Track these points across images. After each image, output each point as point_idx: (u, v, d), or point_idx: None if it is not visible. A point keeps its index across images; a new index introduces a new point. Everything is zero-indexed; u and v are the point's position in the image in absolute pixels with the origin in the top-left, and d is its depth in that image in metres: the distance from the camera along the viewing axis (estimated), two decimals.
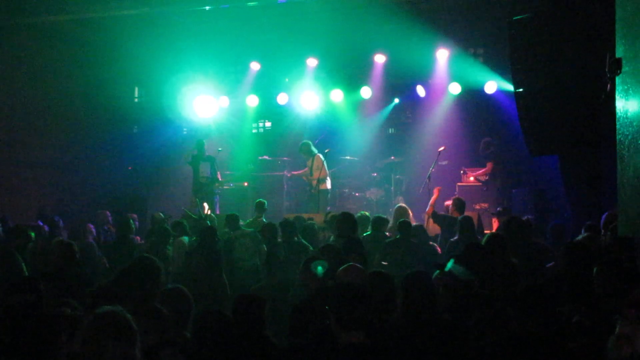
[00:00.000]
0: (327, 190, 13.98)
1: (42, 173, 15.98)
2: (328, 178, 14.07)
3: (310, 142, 14.33)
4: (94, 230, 11.27)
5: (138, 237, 11.45)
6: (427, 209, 11.19)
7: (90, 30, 15.28)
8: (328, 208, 12.92)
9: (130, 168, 17.53)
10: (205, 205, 13.78)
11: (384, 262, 8.69)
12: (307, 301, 5.44)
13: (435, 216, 10.58)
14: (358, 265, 5.36)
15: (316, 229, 10.13)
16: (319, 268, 5.79)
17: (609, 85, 8.33)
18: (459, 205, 10.66)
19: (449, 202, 11.50)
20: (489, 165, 13.26)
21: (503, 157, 13.60)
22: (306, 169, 14.32)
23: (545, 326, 4.36)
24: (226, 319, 4.30)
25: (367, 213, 11.16)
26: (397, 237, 9.13)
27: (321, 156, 13.91)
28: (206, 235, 9.10)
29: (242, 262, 9.71)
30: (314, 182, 13.62)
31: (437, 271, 5.39)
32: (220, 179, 14.34)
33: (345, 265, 5.28)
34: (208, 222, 10.43)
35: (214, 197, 14.21)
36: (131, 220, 10.54)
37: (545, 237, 9.61)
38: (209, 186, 14.08)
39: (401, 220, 9.60)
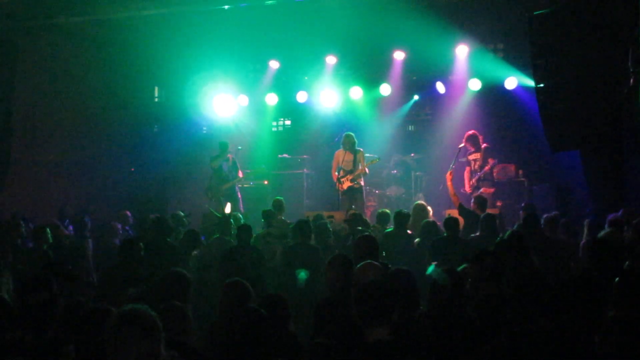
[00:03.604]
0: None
1: (63, 173, 16.08)
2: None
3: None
4: (120, 229, 11.33)
5: None
6: (452, 198, 11.10)
7: (110, 30, 15.35)
8: (353, 206, 12.82)
9: (132, 169, 17.62)
10: (228, 204, 13.82)
11: (434, 262, 8.64)
12: (330, 299, 5.44)
13: (462, 209, 10.54)
14: (375, 262, 5.33)
15: (329, 228, 10.05)
16: (302, 274, 5.77)
17: (631, 80, 8.28)
18: (481, 202, 10.65)
19: (450, 211, 11.52)
20: (491, 161, 13.12)
21: (494, 150, 13.51)
22: (348, 164, 13.28)
23: (572, 322, 4.33)
24: (263, 316, 4.30)
25: (387, 210, 11.14)
26: (445, 234, 9.04)
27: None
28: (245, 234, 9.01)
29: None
30: (353, 177, 13.17)
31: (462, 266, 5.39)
32: (229, 177, 14.29)
33: (362, 263, 5.26)
34: (232, 220, 10.39)
35: (233, 196, 14.18)
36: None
37: (567, 232, 9.53)
38: (218, 186, 14.09)
39: (449, 217, 9.54)
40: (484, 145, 13.23)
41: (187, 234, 9.40)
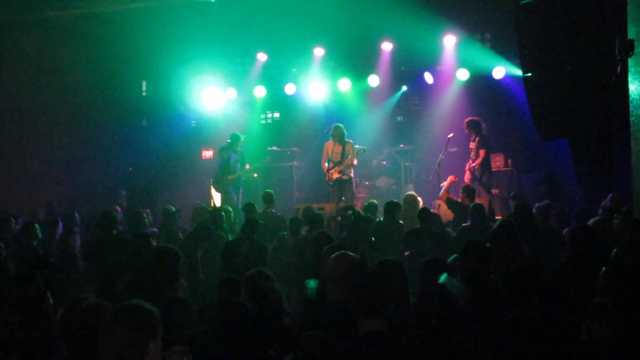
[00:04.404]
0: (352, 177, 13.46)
1: (51, 168, 16.03)
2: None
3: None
4: None
5: (156, 229, 11.45)
6: (440, 193, 11.14)
7: (97, 24, 15.29)
8: (343, 198, 12.81)
9: (130, 169, 17.55)
10: (218, 196, 13.78)
11: (406, 252, 8.64)
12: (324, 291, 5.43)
13: (449, 202, 10.57)
14: (349, 253, 5.31)
15: (323, 219, 10.04)
16: (311, 283, 5.77)
17: (619, 68, 8.29)
18: (470, 192, 10.68)
19: (438, 202, 11.54)
20: (482, 152, 13.06)
21: (490, 141, 13.47)
22: (336, 155, 13.26)
23: (558, 309, 4.37)
24: (247, 309, 4.30)
25: (375, 201, 11.16)
26: (418, 226, 9.06)
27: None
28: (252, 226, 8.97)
29: None
30: (341, 168, 13.11)
31: (453, 256, 5.40)
32: (237, 168, 14.12)
33: (336, 253, 5.25)
34: (222, 213, 10.37)
35: (238, 188, 14.09)
36: (144, 214, 10.54)
37: (558, 221, 9.57)
38: (225, 177, 13.94)
39: (422, 208, 9.56)
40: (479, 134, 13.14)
41: (197, 228, 9.32)
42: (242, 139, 14.17)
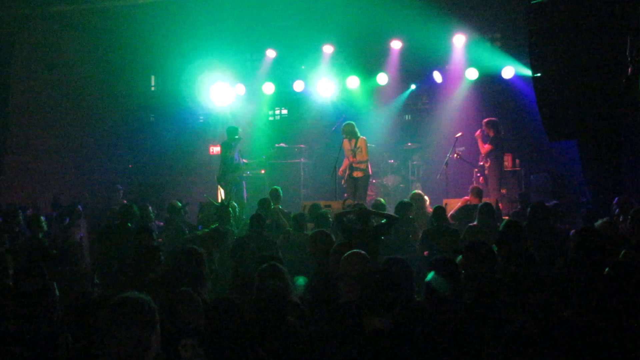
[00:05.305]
0: (369, 175, 13.23)
1: (59, 162, 16.08)
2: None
3: (354, 123, 13.26)
4: None
5: (162, 223, 11.46)
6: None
7: (107, 19, 15.32)
8: (356, 196, 12.71)
9: (130, 166, 17.57)
10: (222, 191, 13.76)
11: (425, 252, 8.63)
12: (330, 285, 5.43)
13: (452, 217, 10.56)
14: (362, 252, 5.31)
15: (329, 217, 10.02)
16: (300, 281, 5.79)
17: (629, 69, 8.26)
18: (477, 192, 10.70)
19: (447, 200, 11.51)
20: (488, 147, 12.92)
21: (504, 143, 13.38)
22: (348, 153, 13.09)
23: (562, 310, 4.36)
24: (238, 307, 4.31)
25: (382, 200, 11.14)
26: (435, 224, 9.04)
27: (365, 139, 13.17)
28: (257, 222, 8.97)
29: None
30: (355, 165, 12.93)
31: (460, 256, 5.39)
32: (241, 164, 14.04)
33: (348, 252, 5.24)
34: (230, 209, 10.36)
35: (240, 184, 14.02)
36: (150, 208, 10.57)
37: (562, 221, 9.55)
38: (232, 173, 13.85)
39: (437, 206, 9.55)
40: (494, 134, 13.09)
41: (213, 231, 9.33)
42: (239, 130, 14.14)
